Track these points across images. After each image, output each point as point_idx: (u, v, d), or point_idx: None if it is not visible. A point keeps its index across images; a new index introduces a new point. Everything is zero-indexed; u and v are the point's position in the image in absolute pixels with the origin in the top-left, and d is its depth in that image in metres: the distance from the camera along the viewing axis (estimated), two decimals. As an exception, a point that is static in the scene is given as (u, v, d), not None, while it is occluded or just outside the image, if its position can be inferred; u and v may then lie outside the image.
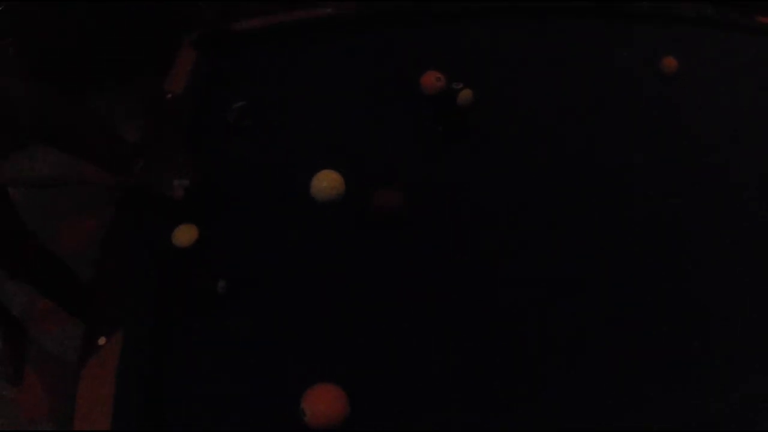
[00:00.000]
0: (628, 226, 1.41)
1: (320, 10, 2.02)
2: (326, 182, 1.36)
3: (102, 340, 1.13)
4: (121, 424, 1.00)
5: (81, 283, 1.93)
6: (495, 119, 1.66)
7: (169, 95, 1.64)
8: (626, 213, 1.44)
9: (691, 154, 1.61)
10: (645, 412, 1.07)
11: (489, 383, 1.11)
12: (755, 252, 1.38)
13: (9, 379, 2.05)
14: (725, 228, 1.43)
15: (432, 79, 1.70)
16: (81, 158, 1.30)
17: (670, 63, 1.90)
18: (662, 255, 1.35)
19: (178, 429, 1.03)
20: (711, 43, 2.10)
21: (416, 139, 1.59)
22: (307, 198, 1.37)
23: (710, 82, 1.91)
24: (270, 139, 1.55)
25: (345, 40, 1.90)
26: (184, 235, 1.25)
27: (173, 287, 1.19)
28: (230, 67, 1.78)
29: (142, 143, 1.48)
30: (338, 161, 1.41)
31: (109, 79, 2.46)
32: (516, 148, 1.60)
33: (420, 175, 1.47)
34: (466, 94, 1.63)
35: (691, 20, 2.20)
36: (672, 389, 1.11)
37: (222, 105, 1.60)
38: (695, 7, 2.25)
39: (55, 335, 2.17)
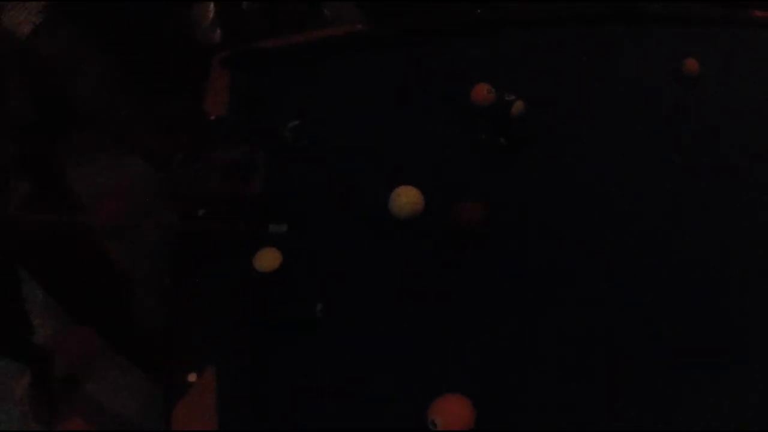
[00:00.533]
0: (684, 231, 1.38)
1: (351, 27, 1.97)
2: (405, 198, 1.31)
3: (192, 377, 1.04)
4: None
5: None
6: (545, 127, 1.62)
7: (213, 117, 1.56)
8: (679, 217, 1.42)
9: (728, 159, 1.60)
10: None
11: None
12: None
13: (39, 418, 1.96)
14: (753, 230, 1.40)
15: (483, 92, 1.66)
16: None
17: (692, 65, 1.88)
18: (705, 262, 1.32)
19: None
20: (724, 42, 2.09)
21: (480, 152, 1.54)
22: (385, 215, 1.31)
23: (732, 81, 1.90)
24: (333, 158, 1.50)
25: (380, 56, 1.86)
26: (268, 259, 1.18)
27: (266, 312, 1.11)
28: (268, 85, 1.71)
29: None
30: (408, 176, 1.36)
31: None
32: (573, 156, 1.57)
33: (495, 188, 1.43)
34: (518, 106, 1.60)
35: (702, 20, 2.20)
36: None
37: (271, 125, 1.53)
38: (704, 7, 2.27)
39: (88, 373, 2.07)
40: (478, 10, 2.10)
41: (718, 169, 1.55)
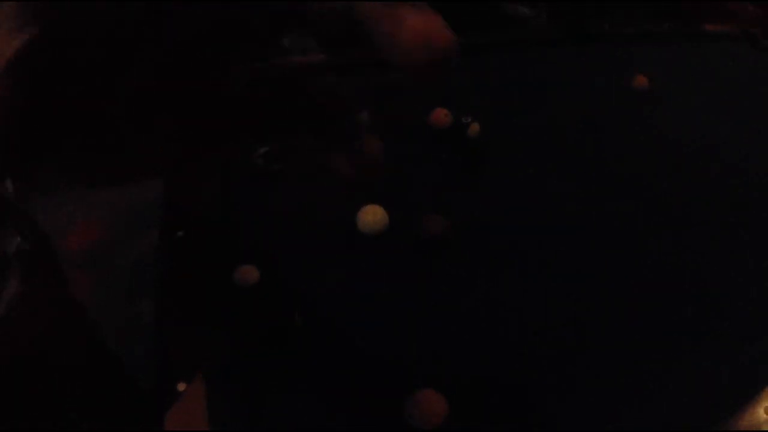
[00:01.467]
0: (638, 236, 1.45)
1: (315, 56, 2.05)
2: (371, 215, 1.40)
3: (182, 386, 1.11)
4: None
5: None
6: (499, 148, 1.72)
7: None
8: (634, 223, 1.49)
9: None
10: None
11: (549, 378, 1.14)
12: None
13: None
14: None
15: (441, 115, 1.76)
16: None
17: (641, 81, 1.99)
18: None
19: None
20: (673, 57, 2.15)
21: (438, 171, 1.64)
22: (354, 231, 1.40)
23: (684, 94, 1.94)
24: (302, 181, 1.57)
25: (345, 83, 1.93)
26: (247, 274, 1.26)
27: (247, 325, 1.19)
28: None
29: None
30: (374, 196, 1.45)
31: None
32: (525, 173, 1.65)
33: (453, 204, 1.52)
34: (474, 128, 1.71)
35: (652, 36, 2.30)
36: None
37: (242, 152, 1.61)
38: (653, 24, 2.37)
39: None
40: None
41: (673, 178, 1.63)
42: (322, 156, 0.86)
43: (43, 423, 1.16)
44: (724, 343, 1.20)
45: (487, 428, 1.09)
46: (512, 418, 1.10)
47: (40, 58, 0.84)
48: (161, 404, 1.08)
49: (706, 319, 1.26)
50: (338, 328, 1.25)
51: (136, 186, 1.51)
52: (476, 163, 1.68)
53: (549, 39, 2.26)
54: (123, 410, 1.88)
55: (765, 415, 1.05)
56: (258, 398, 1.11)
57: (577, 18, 2.36)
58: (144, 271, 2.05)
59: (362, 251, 1.40)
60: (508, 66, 2.12)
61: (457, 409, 1.07)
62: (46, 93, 0.98)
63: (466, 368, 1.18)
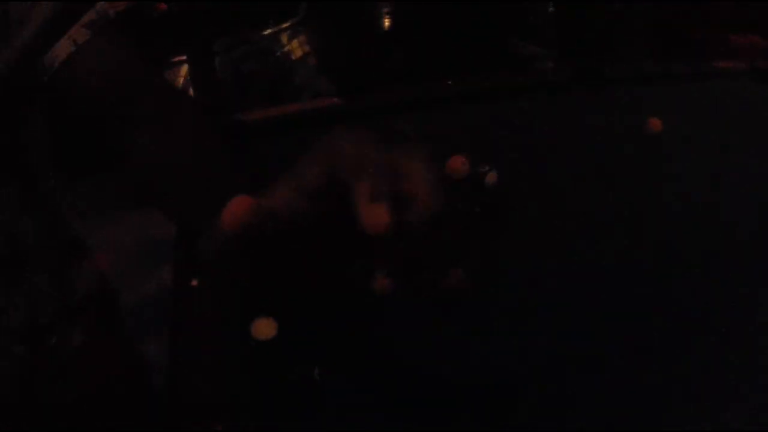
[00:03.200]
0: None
1: (325, 100, 2.06)
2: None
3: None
4: None
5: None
6: (516, 198, 1.72)
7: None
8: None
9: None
10: None
11: None
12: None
13: None
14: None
15: (458, 164, 1.74)
16: None
17: (655, 124, 1.99)
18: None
19: None
20: (685, 97, 2.24)
21: (456, 221, 1.61)
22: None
23: (698, 133, 2.01)
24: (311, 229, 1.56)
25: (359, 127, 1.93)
26: (264, 327, 1.23)
27: (266, 379, 1.17)
28: (254, 155, 1.78)
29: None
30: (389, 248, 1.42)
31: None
32: (543, 225, 1.67)
33: (470, 255, 1.49)
34: (492, 176, 1.69)
35: (663, 77, 2.33)
36: None
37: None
38: (663, 65, 2.39)
39: None
40: (450, 82, 2.21)
41: (691, 222, 1.65)
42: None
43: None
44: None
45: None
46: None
47: None
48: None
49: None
50: (357, 384, 1.22)
51: (143, 221, 1.48)
52: (494, 213, 1.66)
53: (561, 83, 2.28)
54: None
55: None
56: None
57: (588, 59, 2.38)
58: (151, 311, 2.03)
59: (379, 304, 1.36)
60: (523, 111, 2.13)
61: None
62: None
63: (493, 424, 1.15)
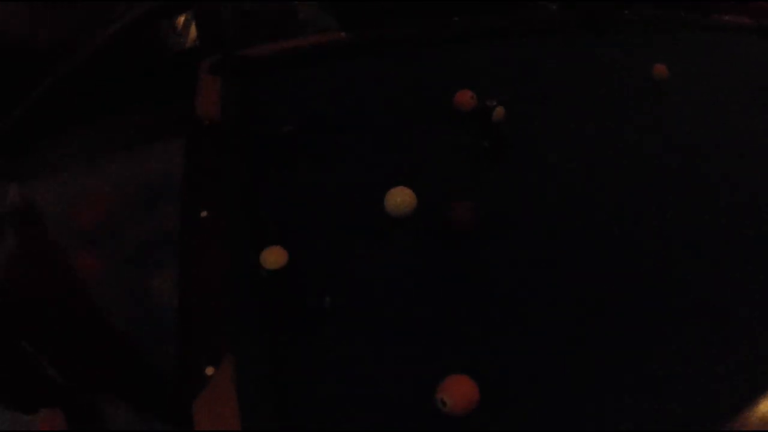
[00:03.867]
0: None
1: (334, 34, 2.03)
2: (400, 198, 1.38)
3: (210, 370, 1.09)
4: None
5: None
6: (524, 131, 1.72)
7: (207, 122, 1.61)
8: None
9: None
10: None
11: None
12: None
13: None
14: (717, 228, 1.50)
15: (467, 98, 1.74)
16: None
17: (661, 70, 1.98)
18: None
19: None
20: (695, 47, 2.26)
21: (465, 154, 1.62)
22: (381, 213, 1.38)
23: (702, 84, 2.04)
24: (326, 161, 1.56)
25: (366, 63, 1.93)
26: (275, 257, 1.23)
27: (277, 308, 1.17)
28: (260, 92, 1.77)
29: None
30: (399, 177, 1.44)
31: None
32: (549, 160, 1.67)
33: (481, 187, 1.52)
34: (499, 111, 1.69)
35: (673, 25, 2.33)
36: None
37: (266, 130, 1.59)
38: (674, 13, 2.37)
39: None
40: (456, 18, 2.18)
41: (691, 168, 1.66)
42: None
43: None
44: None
45: (517, 418, 1.07)
46: (543, 408, 1.09)
47: None
48: (189, 390, 1.05)
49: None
50: (367, 312, 1.22)
51: (148, 159, 1.48)
52: (501, 148, 1.65)
53: (568, 24, 2.26)
54: (144, 394, 1.86)
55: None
56: (288, 383, 1.08)
57: (594, 2, 2.35)
58: (157, 247, 2.04)
59: (390, 234, 1.38)
60: (531, 52, 2.10)
61: (489, 397, 1.06)
62: None
63: (496, 355, 1.16)
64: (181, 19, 2.86)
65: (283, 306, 1.19)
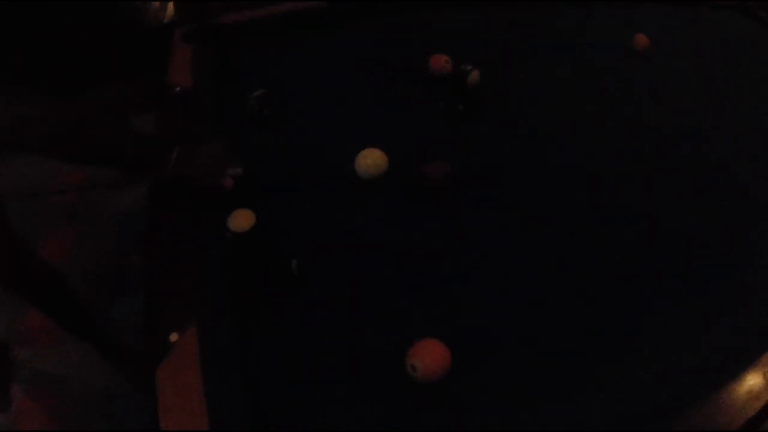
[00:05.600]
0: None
1: (309, 1, 1.99)
2: (371, 159, 1.37)
3: (174, 337, 1.06)
4: (223, 421, 0.93)
5: (76, 295, 1.85)
6: (499, 96, 1.70)
7: (178, 89, 1.58)
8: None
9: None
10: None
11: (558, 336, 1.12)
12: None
13: None
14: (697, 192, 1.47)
15: (441, 62, 1.71)
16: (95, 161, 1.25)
17: (642, 40, 1.96)
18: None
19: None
20: (673, 20, 2.22)
21: (439, 117, 1.59)
22: (352, 176, 1.37)
23: (682, 56, 2.01)
24: (298, 126, 1.53)
25: (341, 29, 1.90)
26: (242, 219, 1.21)
27: (243, 272, 1.14)
28: (232, 58, 1.73)
29: (164, 138, 1.42)
30: (372, 140, 1.41)
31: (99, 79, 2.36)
32: (524, 124, 1.64)
33: (455, 150, 1.50)
34: (475, 75, 1.66)
35: None
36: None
37: (237, 96, 1.56)
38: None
39: (51, 355, 2.04)
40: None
41: (668, 137, 1.63)
42: None
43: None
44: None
45: (491, 384, 1.05)
46: (517, 373, 1.06)
47: None
48: (152, 358, 1.02)
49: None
50: (336, 277, 1.20)
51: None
52: (476, 111, 1.62)
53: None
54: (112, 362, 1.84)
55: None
56: (254, 350, 1.06)
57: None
58: (135, 221, 2.00)
59: (361, 196, 1.36)
60: (509, 17, 2.07)
61: (461, 362, 1.03)
62: None
63: (468, 319, 1.14)
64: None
65: (249, 270, 1.16)
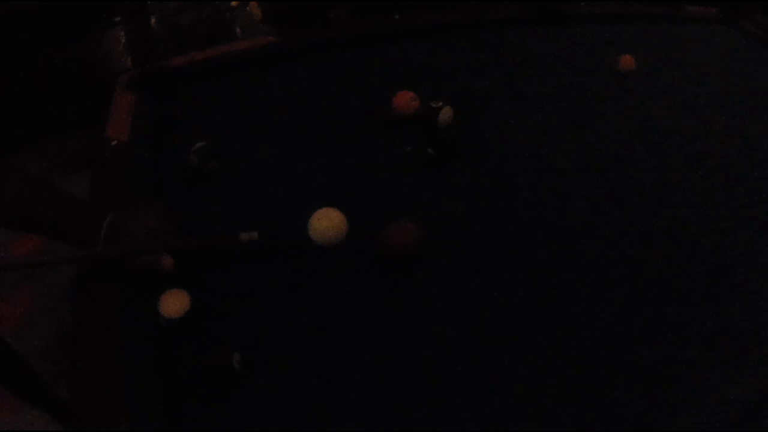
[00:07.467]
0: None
1: (261, 39, 1.84)
2: (327, 221, 1.19)
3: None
4: None
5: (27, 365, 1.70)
6: (475, 135, 1.55)
7: (114, 142, 1.42)
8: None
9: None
10: None
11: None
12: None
13: None
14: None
15: (407, 99, 1.55)
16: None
17: (627, 61, 1.86)
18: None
19: None
20: (657, 38, 2.13)
21: (407, 164, 1.43)
22: (305, 242, 1.19)
23: (667, 75, 1.92)
24: (243, 182, 1.36)
25: (293, 69, 1.75)
26: (175, 303, 1.04)
27: (176, 368, 0.97)
28: (173, 105, 1.57)
29: (95, 204, 1.25)
30: (329, 198, 1.24)
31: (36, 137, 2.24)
32: (508, 164, 1.49)
33: (426, 205, 1.33)
34: (447, 112, 1.51)
35: (636, 17, 2.23)
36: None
37: (178, 149, 1.39)
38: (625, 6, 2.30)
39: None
40: (397, 16, 2.00)
41: (657, 165, 1.52)
42: None
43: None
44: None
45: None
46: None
47: None
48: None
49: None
50: (286, 370, 1.01)
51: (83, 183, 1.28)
52: (449, 155, 1.45)
53: (525, 19, 2.10)
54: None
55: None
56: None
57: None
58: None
59: (316, 267, 1.17)
60: (482, 44, 1.93)
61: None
62: None
63: (444, 404, 0.98)
64: (123, 38, 2.71)
65: (184, 365, 0.99)
